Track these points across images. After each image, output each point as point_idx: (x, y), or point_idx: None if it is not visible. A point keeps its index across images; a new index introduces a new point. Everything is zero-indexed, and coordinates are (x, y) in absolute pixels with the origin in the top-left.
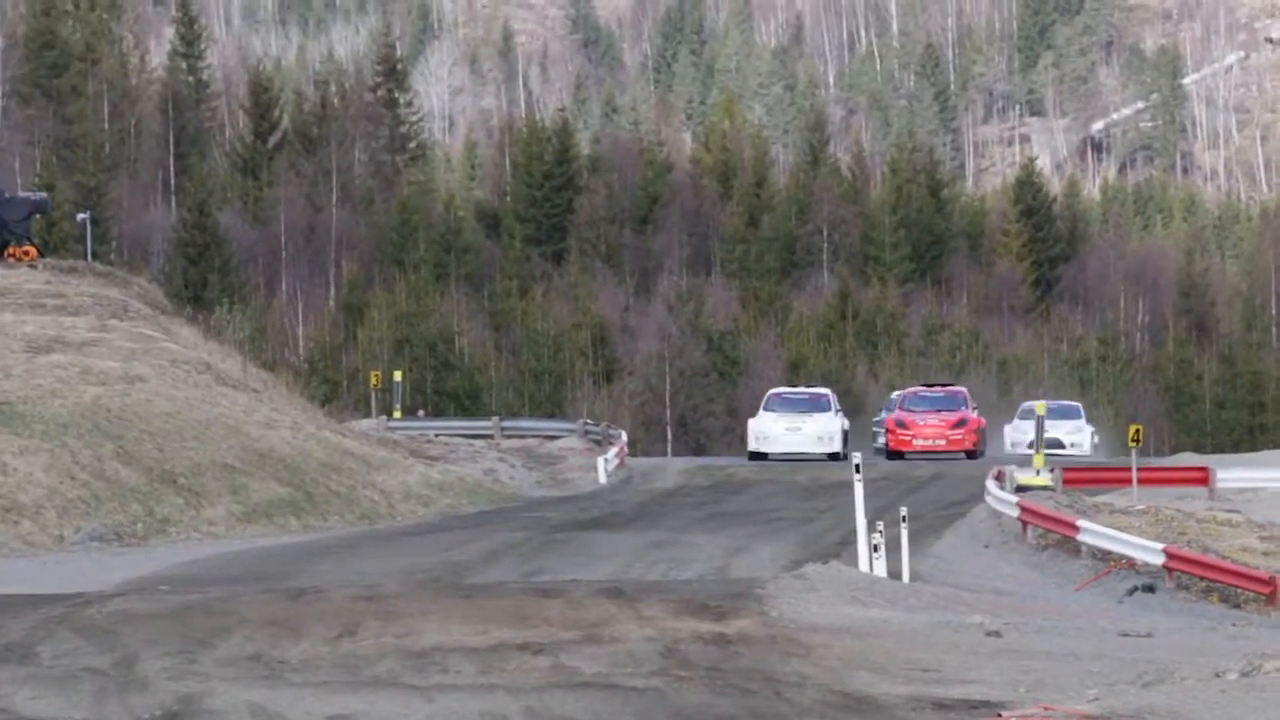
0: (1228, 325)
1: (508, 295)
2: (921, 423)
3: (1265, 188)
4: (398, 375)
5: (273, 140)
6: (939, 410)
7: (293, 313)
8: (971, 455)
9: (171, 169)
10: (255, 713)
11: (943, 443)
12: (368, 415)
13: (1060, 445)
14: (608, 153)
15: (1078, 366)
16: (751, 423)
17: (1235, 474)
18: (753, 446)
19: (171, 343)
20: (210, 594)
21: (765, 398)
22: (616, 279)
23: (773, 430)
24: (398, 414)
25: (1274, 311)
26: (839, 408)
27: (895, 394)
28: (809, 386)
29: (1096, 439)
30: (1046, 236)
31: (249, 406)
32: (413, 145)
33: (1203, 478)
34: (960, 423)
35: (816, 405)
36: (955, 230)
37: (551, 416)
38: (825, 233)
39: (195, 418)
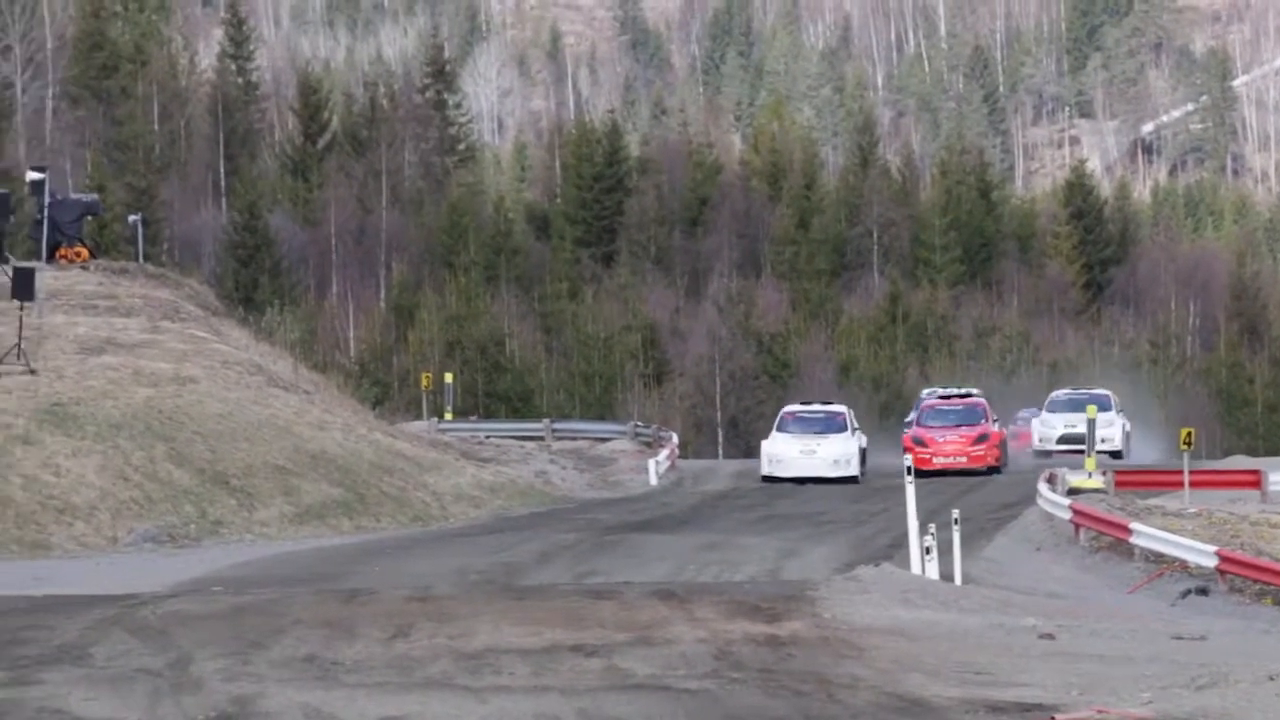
0: (1279, 328)
1: (558, 297)
2: (941, 439)
3: None
4: (449, 377)
5: (322, 142)
6: (958, 426)
7: (343, 314)
8: (994, 470)
9: (222, 170)
10: (309, 714)
11: (964, 460)
12: (419, 417)
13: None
14: (657, 154)
15: (1129, 369)
16: (765, 445)
17: None
18: (765, 470)
19: (223, 344)
20: (263, 595)
21: (779, 417)
22: (666, 281)
23: (786, 454)
24: (449, 416)
25: None
26: (856, 425)
27: (925, 393)
28: (825, 405)
29: (1128, 428)
30: (1097, 239)
31: (300, 408)
32: (462, 147)
33: (1255, 480)
34: (981, 438)
35: (832, 425)
36: (1005, 232)
37: (602, 419)
38: (875, 235)
39: (247, 419)
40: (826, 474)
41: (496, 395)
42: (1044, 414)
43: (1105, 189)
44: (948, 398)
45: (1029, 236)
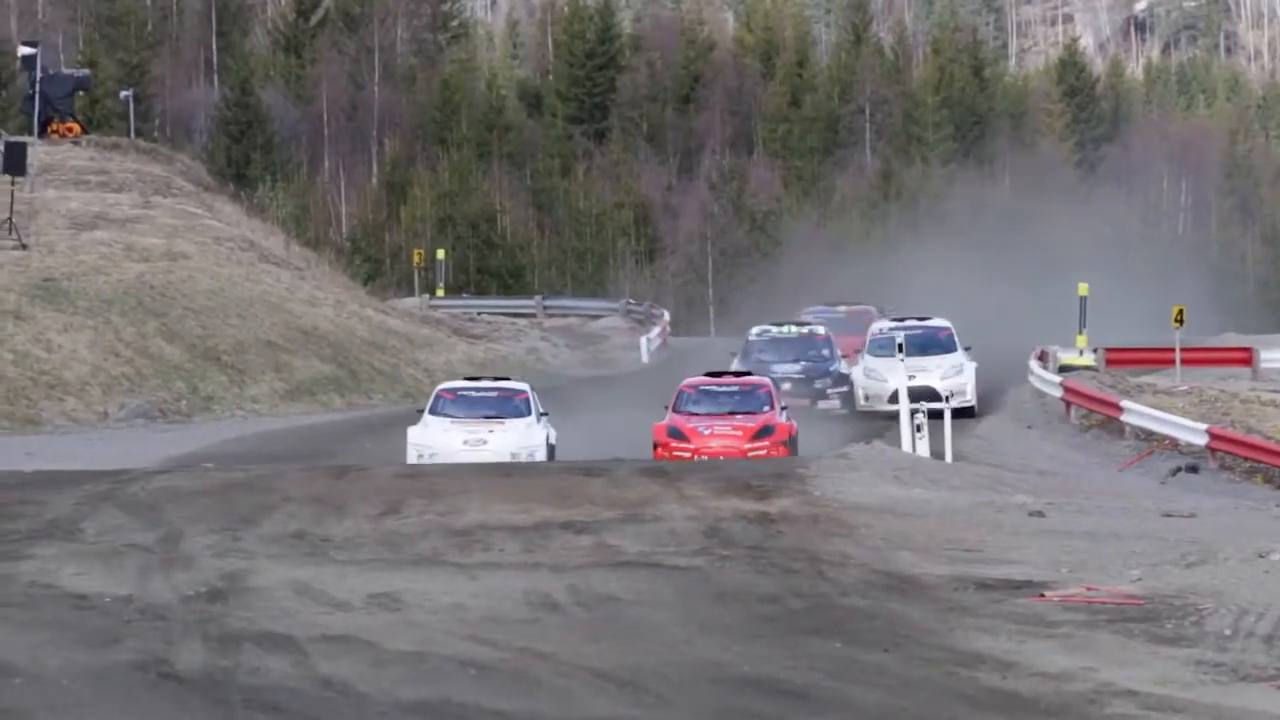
0: (1272, 206)
1: (550, 174)
2: (705, 432)
3: None
4: (441, 254)
5: (315, 18)
6: (732, 414)
7: (335, 191)
8: None
9: (214, 46)
10: (299, 590)
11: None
12: (411, 294)
13: (933, 395)
14: (649, 31)
15: (1119, 247)
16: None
17: (1279, 354)
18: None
19: (214, 220)
20: (254, 471)
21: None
22: (659, 158)
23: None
24: (441, 292)
25: None
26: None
27: (755, 331)
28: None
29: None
30: (1089, 116)
31: (292, 284)
32: (455, 24)
33: (1246, 358)
34: (764, 431)
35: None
36: (998, 110)
37: (594, 296)
38: (868, 112)
39: (238, 295)
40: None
41: (488, 272)
42: (867, 357)
43: (1098, 67)
44: (719, 375)
45: (1021, 114)
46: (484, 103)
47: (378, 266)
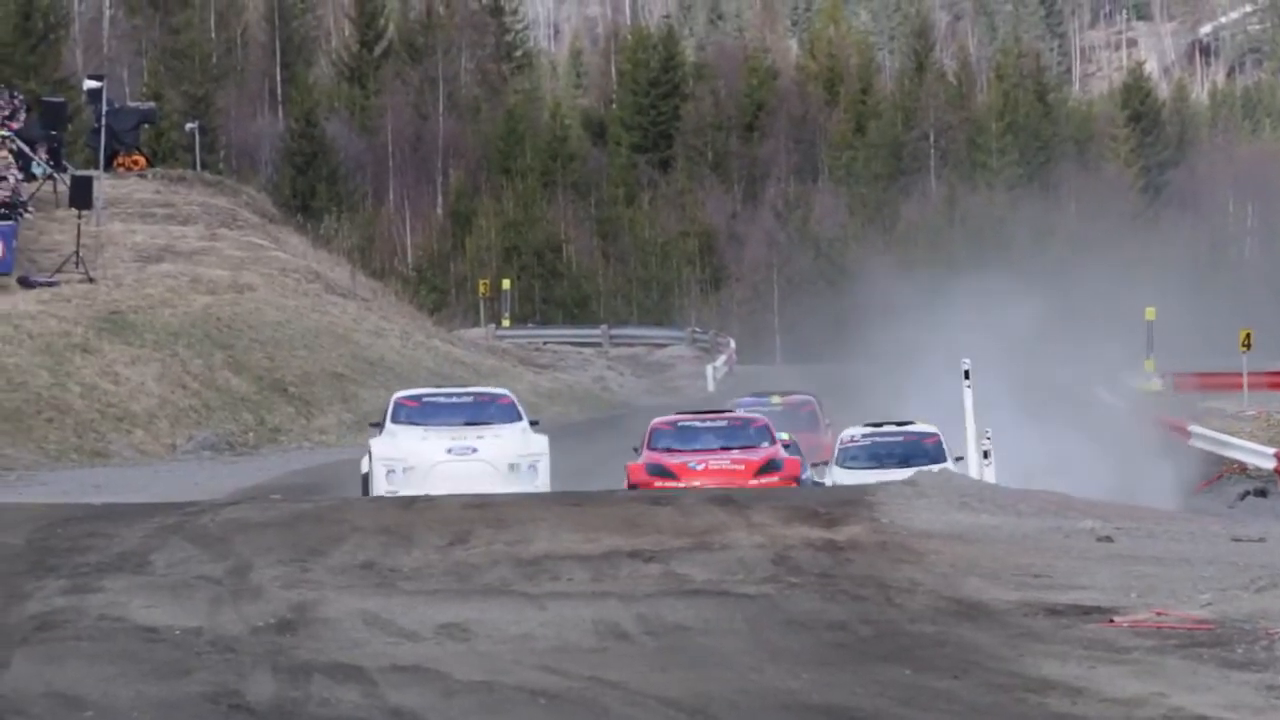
0: None
1: (614, 203)
2: (699, 467)
3: None
4: (506, 283)
5: (379, 49)
6: (726, 449)
7: (400, 221)
8: None
9: (278, 78)
10: (368, 621)
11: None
12: (476, 324)
13: None
14: (713, 59)
15: (1186, 269)
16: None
17: None
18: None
19: (280, 251)
20: (321, 503)
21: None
22: (723, 186)
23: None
24: (507, 322)
25: None
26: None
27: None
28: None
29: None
30: (1155, 141)
31: (358, 315)
32: (518, 54)
33: None
34: (768, 466)
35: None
36: (1062, 135)
37: (659, 324)
38: (932, 139)
39: (305, 326)
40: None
41: (554, 301)
42: (835, 469)
43: (1163, 91)
44: (702, 413)
45: (1086, 139)
46: (548, 132)
47: (443, 297)
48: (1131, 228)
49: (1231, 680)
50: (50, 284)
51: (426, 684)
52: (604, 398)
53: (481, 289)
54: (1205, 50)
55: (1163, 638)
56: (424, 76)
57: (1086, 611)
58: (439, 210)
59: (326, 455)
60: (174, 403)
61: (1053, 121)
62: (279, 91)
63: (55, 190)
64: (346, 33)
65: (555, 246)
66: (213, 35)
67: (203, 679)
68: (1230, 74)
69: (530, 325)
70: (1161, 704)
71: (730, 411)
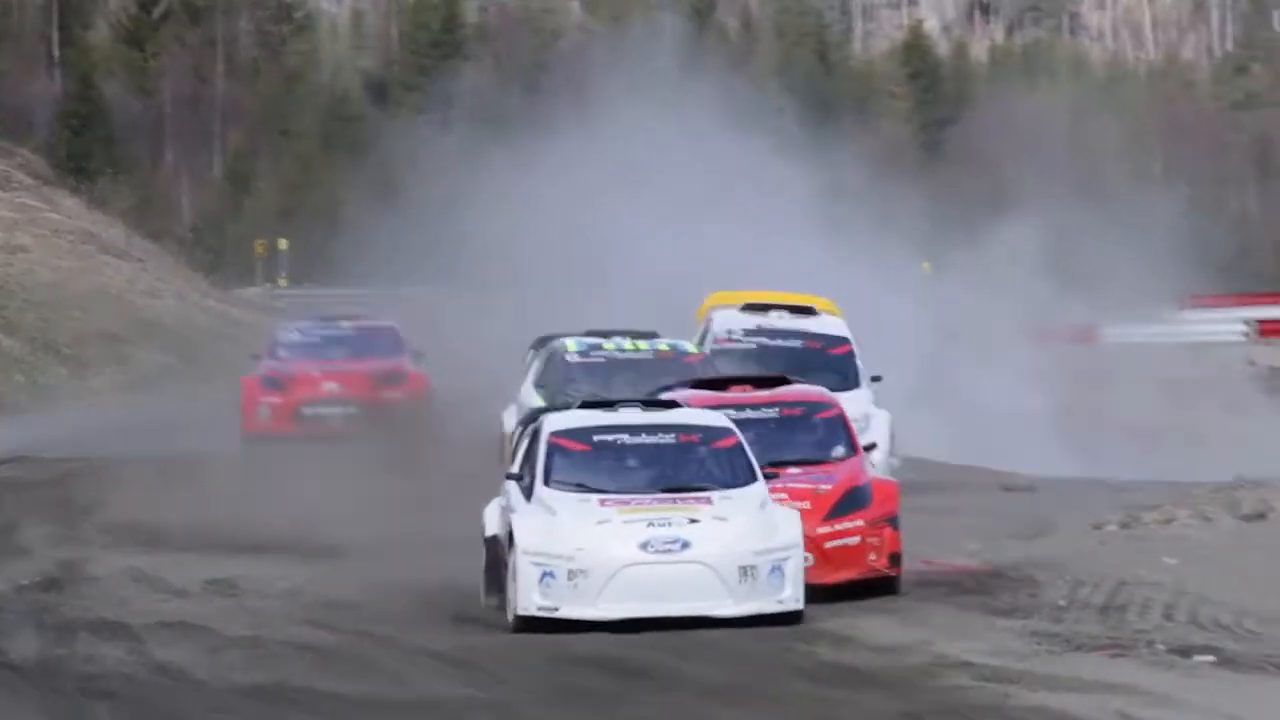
0: (1115, 185)
1: (395, 164)
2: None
3: (1153, 47)
4: (283, 244)
5: (157, 11)
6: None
7: (177, 183)
8: None
9: (55, 40)
10: (136, 578)
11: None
12: (253, 284)
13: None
14: (495, 20)
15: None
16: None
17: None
18: None
19: (54, 213)
20: (91, 462)
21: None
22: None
23: None
24: (284, 282)
25: (1159, 171)
26: None
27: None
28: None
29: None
30: (934, 99)
31: (133, 277)
32: (299, 15)
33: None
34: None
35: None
36: (843, 94)
37: None
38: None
39: (79, 288)
40: None
41: (332, 261)
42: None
43: (943, 49)
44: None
45: (866, 98)
46: (328, 94)
47: (219, 258)
48: (912, 185)
49: (996, 627)
50: None
51: (194, 639)
52: None
53: (259, 249)
54: (985, 8)
55: (930, 586)
56: (203, 38)
57: None
58: (216, 171)
59: (99, 415)
60: None
61: (833, 80)
62: (56, 53)
63: None
64: None
65: (334, 207)
66: None
67: None
68: (1010, 31)
69: (307, 285)
70: (927, 651)
71: None
